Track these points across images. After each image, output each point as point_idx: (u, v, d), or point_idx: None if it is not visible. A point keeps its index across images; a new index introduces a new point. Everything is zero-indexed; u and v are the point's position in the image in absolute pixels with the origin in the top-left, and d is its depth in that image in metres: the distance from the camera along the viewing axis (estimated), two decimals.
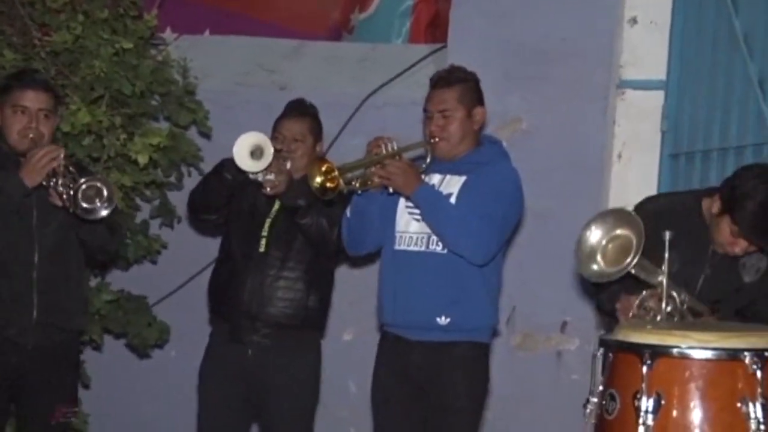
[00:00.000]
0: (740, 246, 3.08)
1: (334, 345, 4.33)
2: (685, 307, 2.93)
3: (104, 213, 3.41)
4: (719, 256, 3.13)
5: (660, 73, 4.48)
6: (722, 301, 3.17)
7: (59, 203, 3.45)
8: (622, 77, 4.57)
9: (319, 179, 3.37)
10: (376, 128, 4.26)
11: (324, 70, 4.99)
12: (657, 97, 4.50)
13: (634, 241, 2.95)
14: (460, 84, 3.48)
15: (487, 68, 4.41)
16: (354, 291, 4.49)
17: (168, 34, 4.94)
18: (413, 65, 4.78)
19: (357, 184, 3.44)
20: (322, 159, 3.48)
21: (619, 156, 4.60)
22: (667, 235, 2.90)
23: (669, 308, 2.91)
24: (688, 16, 4.40)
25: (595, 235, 3.05)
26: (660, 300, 2.84)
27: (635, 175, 4.50)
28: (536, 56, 4.53)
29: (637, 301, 2.92)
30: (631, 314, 2.92)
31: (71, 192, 3.37)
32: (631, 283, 3.04)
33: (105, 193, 3.40)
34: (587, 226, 3.10)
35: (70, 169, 3.44)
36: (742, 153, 4.06)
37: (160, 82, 4.30)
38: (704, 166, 4.26)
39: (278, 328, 3.69)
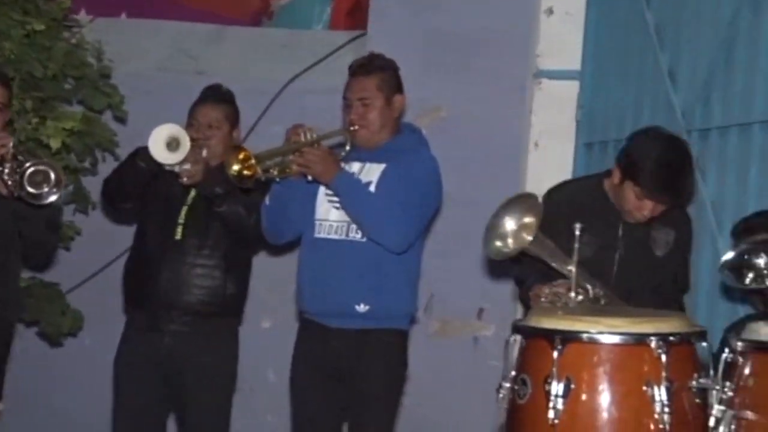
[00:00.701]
0: (647, 208, 3.14)
1: (253, 332, 4.32)
2: (601, 301, 3.02)
3: (52, 198, 3.33)
4: (630, 235, 3.20)
5: (575, 64, 4.56)
6: (640, 279, 3.24)
7: (5, 191, 3.36)
8: (538, 67, 4.63)
9: (236, 167, 3.35)
10: (296, 115, 4.24)
11: (244, 55, 4.95)
12: (572, 87, 4.58)
13: (535, 221, 3.03)
14: (379, 72, 3.49)
15: (407, 56, 4.43)
16: (273, 278, 4.48)
17: (82, 16, 4.84)
18: (333, 52, 4.77)
19: (275, 172, 3.42)
20: (238, 147, 3.46)
21: (536, 144, 4.67)
22: (578, 227, 2.97)
23: (580, 298, 3.00)
24: (602, 8, 4.48)
25: (509, 222, 3.11)
26: (569, 290, 2.92)
27: (551, 164, 4.57)
28: (455, 45, 4.57)
29: (547, 290, 2.98)
30: (542, 301, 2.99)
31: (17, 176, 3.28)
32: (550, 274, 3.10)
33: (52, 177, 3.32)
34: (501, 212, 3.15)
35: (19, 157, 3.35)
36: None
37: (74, 65, 4.22)
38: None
39: (195, 315, 3.66)
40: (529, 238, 3.08)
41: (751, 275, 2.76)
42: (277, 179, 3.44)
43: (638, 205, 3.16)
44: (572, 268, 2.97)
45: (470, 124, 4.57)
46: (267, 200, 3.51)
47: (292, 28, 5.09)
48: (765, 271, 2.75)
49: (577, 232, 2.96)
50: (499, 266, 4.12)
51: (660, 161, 3.12)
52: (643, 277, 3.25)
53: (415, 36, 4.58)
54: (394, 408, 3.53)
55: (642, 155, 3.14)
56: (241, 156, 3.35)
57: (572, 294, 2.93)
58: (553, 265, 3.12)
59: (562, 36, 4.58)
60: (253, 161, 3.34)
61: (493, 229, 3.19)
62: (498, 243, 3.18)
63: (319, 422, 3.51)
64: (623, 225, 3.22)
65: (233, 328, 3.80)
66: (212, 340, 3.70)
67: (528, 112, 4.64)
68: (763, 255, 2.77)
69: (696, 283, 3.80)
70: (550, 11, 4.60)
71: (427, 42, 4.58)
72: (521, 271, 3.31)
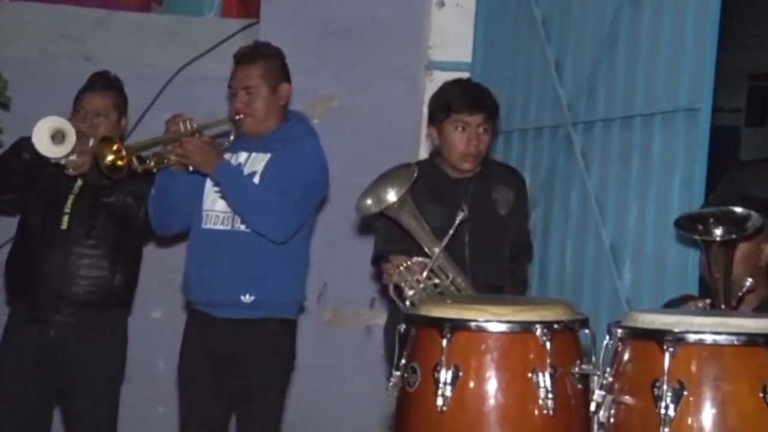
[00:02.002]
0: (473, 136, 3.36)
1: (143, 323, 4.27)
2: (452, 287, 3.14)
3: None
4: (474, 199, 3.32)
5: (466, 56, 4.62)
6: (489, 240, 3.39)
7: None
8: (430, 58, 4.68)
9: (109, 158, 3.30)
10: (188, 103, 4.20)
11: (132, 41, 4.86)
12: None
13: (406, 186, 3.21)
14: (263, 60, 3.47)
15: (300, 45, 4.43)
16: (164, 268, 4.42)
17: None
18: (225, 40, 4.73)
19: (152, 163, 3.39)
20: (109, 138, 3.41)
21: (428, 136, 4.71)
22: (460, 215, 3.06)
23: (437, 281, 3.12)
24: (491, 1, 4.55)
25: (384, 186, 3.25)
26: (424, 269, 3.06)
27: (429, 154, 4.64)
28: (348, 35, 4.57)
29: (404, 263, 3.09)
30: (394, 274, 3.12)
31: None
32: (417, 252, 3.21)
33: None
34: (381, 178, 3.31)
35: None
36: (540, 134, 4.23)
37: None
38: (506, 145, 4.42)
39: (82, 306, 3.60)
40: (394, 198, 3.17)
41: (700, 227, 2.84)
42: (155, 170, 3.40)
43: (466, 138, 3.34)
44: (437, 249, 3.07)
45: (363, 115, 4.59)
46: (152, 191, 3.47)
47: (182, 14, 5.02)
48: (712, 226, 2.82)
49: (458, 219, 3.07)
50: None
51: (459, 83, 3.51)
52: (491, 237, 3.40)
53: (308, 25, 4.57)
54: (281, 397, 3.54)
55: (443, 91, 3.46)
56: (114, 147, 3.31)
57: (424, 274, 3.04)
58: (420, 242, 3.20)
59: (453, 28, 4.64)
60: (124, 152, 3.31)
61: (368, 190, 3.29)
62: (368, 201, 3.27)
63: (206, 413, 3.50)
64: (465, 191, 3.36)
65: (121, 319, 3.75)
66: (99, 331, 3.64)
67: (420, 103, 4.68)
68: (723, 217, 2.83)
69: (581, 273, 3.92)
70: (441, 3, 4.65)
71: (320, 31, 4.58)
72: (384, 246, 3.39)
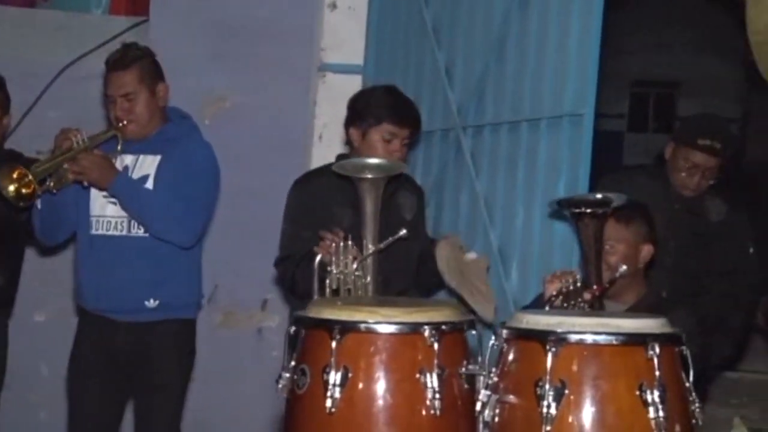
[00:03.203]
0: (396, 147, 3.40)
1: (25, 326, 4.16)
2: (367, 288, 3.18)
3: None
4: (381, 206, 3.35)
5: (358, 58, 4.65)
6: (402, 251, 3.40)
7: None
8: (323, 60, 4.69)
9: (12, 187, 3.22)
10: (74, 100, 4.12)
11: (17, 37, 4.73)
12: (356, 81, 4.66)
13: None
14: (137, 64, 3.43)
15: (191, 45, 4.39)
16: (48, 270, 4.32)
17: None
18: (114, 37, 4.64)
19: (51, 184, 3.32)
20: (11, 165, 3.31)
21: (320, 137, 4.73)
22: (402, 232, 3.13)
23: (359, 273, 3.15)
24: (383, 4, 4.59)
25: None
26: (355, 258, 3.11)
27: (335, 156, 4.64)
28: (240, 35, 4.55)
29: (341, 242, 3.12)
30: (329, 246, 3.14)
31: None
32: None
33: None
34: None
35: None
36: (431, 138, 4.29)
37: None
38: None
39: None
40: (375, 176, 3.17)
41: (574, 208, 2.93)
42: (55, 191, 3.33)
43: (390, 148, 3.37)
44: (372, 246, 3.13)
45: (255, 116, 4.57)
46: (38, 204, 3.39)
47: (69, 10, 4.91)
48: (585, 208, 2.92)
49: (399, 235, 3.11)
50: None
51: (392, 93, 3.50)
52: (400, 240, 3.42)
53: (198, 24, 4.53)
54: (182, 397, 3.55)
55: (376, 99, 3.45)
56: (15, 174, 3.23)
57: (355, 265, 3.06)
58: (365, 231, 3.22)
59: (345, 30, 4.66)
60: (29, 178, 3.24)
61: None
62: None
63: (97, 416, 3.45)
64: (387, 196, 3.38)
65: (2, 322, 3.64)
66: None
67: (312, 105, 4.69)
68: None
69: None
70: (333, 5, 4.67)
71: (211, 31, 4.54)
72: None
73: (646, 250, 3.15)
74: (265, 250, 4.51)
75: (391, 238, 3.16)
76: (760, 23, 3.03)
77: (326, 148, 4.69)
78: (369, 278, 3.18)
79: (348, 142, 3.53)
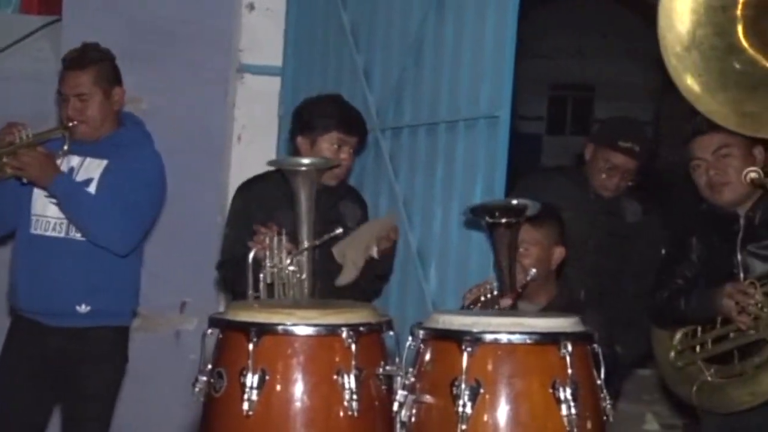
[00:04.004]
0: (345, 152, 3.41)
1: None
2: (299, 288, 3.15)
3: None
4: (322, 212, 3.34)
5: (277, 60, 4.64)
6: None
7: None
8: (241, 61, 4.67)
9: None
10: None
11: None
12: (274, 83, 4.66)
13: None
14: (94, 65, 3.40)
15: (105, 45, 4.31)
16: None
17: None
18: (25, 37, 4.56)
19: None
20: None
21: (239, 139, 4.71)
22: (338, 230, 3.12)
23: (293, 268, 3.12)
24: (301, 6, 4.59)
25: None
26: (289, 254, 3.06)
27: (255, 158, 4.61)
28: (156, 36, 4.50)
29: (276, 237, 3.11)
30: (264, 239, 3.13)
31: None
32: None
33: None
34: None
35: None
36: None
37: None
38: None
39: None
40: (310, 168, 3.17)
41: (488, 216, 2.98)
42: None
43: (338, 154, 3.38)
44: (307, 243, 3.13)
45: (173, 117, 4.52)
46: None
47: None
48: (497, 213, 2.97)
49: (335, 232, 3.10)
50: (202, 260, 4.10)
51: (337, 101, 3.52)
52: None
53: (114, 24, 4.46)
54: (112, 404, 3.53)
55: (326, 107, 3.46)
56: None
57: (288, 260, 3.06)
58: (300, 226, 3.19)
59: (263, 32, 4.65)
60: None
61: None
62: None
63: (23, 420, 3.40)
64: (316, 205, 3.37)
65: None
66: None
67: (231, 106, 4.67)
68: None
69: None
70: (251, 6, 4.65)
71: (127, 31, 4.48)
72: None
73: (558, 252, 3.21)
74: (183, 252, 4.49)
75: (327, 235, 3.15)
76: (671, 34, 3.12)
77: (245, 149, 4.68)
78: (305, 275, 3.16)
79: (295, 151, 3.49)
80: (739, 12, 3.13)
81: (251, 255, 3.11)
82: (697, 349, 3.24)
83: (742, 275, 3.12)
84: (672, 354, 3.30)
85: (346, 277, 3.34)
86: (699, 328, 3.24)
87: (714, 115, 3.12)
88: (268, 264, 3.08)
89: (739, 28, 3.13)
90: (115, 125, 3.45)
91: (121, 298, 3.47)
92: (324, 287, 3.26)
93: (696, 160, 3.23)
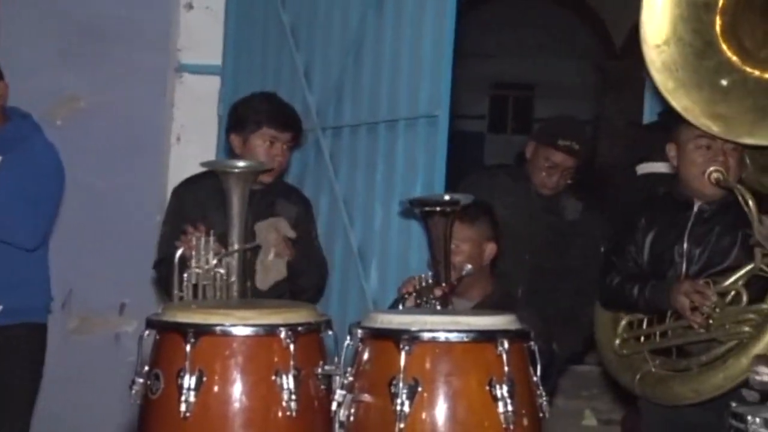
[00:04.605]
0: (278, 149, 3.41)
1: None
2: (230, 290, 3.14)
3: None
4: (256, 212, 3.31)
5: (216, 59, 4.61)
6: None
7: None
8: (180, 61, 4.64)
9: None
10: None
11: None
12: (214, 82, 4.63)
13: None
14: None
15: (41, 43, 4.27)
16: None
17: None
18: None
19: None
20: None
21: (178, 138, 4.67)
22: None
23: (222, 271, 3.10)
24: (240, 5, 4.56)
25: None
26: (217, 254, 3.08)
27: (194, 158, 4.55)
28: (93, 34, 4.45)
29: (203, 237, 3.11)
30: (191, 239, 3.12)
31: None
32: None
33: None
34: None
35: None
36: None
37: None
38: None
39: None
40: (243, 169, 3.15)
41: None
42: None
43: (272, 152, 3.36)
44: (237, 245, 3.11)
45: (110, 116, 4.48)
46: None
47: None
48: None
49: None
50: (141, 262, 4.07)
51: (270, 99, 3.50)
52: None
53: (50, 22, 4.41)
54: (31, 404, 3.47)
55: (254, 104, 3.44)
56: None
57: (214, 261, 3.06)
58: (230, 227, 3.17)
59: (202, 31, 4.62)
60: None
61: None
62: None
63: None
64: (250, 201, 3.32)
65: None
66: None
67: (170, 106, 4.63)
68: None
69: (330, 275, 4.00)
70: (189, 6, 4.62)
71: (64, 30, 4.43)
72: None
73: (490, 249, 3.23)
74: (122, 253, 4.44)
75: (256, 241, 3.14)
76: (652, 25, 3.09)
77: (184, 149, 4.64)
78: (234, 277, 3.14)
79: (230, 149, 3.48)
80: (719, 13, 3.09)
81: (177, 255, 3.09)
82: (642, 339, 3.22)
83: (684, 265, 3.12)
84: (617, 342, 3.27)
85: (261, 281, 3.36)
86: (645, 319, 3.22)
87: (686, 112, 3.06)
88: (194, 264, 3.06)
89: (718, 29, 3.09)
90: (2, 120, 3.40)
91: (34, 293, 3.43)
92: (255, 289, 3.26)
93: (708, 140, 3.07)
